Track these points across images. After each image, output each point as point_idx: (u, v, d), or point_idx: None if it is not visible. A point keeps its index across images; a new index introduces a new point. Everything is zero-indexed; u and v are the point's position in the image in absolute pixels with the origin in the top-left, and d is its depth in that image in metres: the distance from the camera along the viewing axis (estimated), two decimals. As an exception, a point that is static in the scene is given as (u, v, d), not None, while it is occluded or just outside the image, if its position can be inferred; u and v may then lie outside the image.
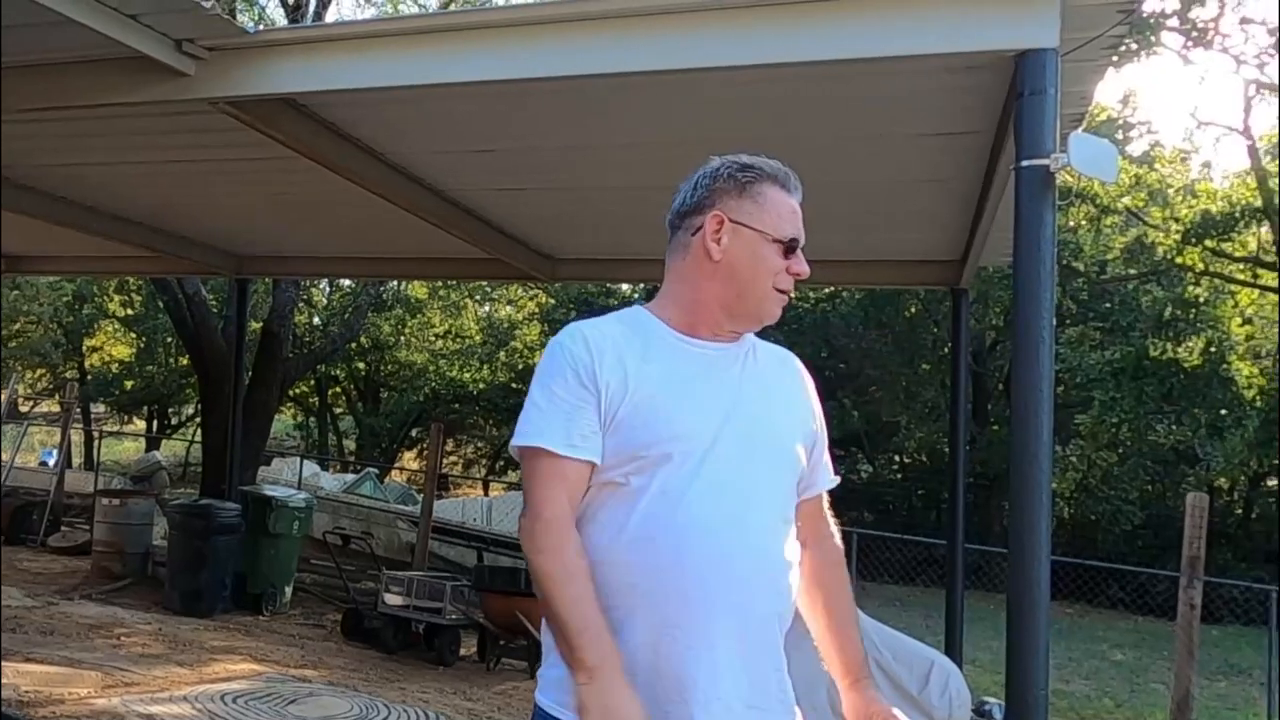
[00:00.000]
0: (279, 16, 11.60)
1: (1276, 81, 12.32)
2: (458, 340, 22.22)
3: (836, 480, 1.71)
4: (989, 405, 17.22)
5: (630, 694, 1.38)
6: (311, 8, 10.71)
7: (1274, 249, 13.05)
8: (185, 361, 17.29)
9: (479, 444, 25.31)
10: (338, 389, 24.18)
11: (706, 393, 1.53)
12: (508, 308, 22.34)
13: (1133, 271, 14.87)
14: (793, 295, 1.61)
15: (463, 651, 7.11)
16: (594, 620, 1.41)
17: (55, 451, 12.63)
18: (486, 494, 18.09)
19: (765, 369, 1.64)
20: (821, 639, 1.71)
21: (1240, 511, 16.97)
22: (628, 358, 1.53)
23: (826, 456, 1.70)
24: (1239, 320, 14.29)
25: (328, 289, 19.61)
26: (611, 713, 1.35)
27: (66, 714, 4.57)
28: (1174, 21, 11.05)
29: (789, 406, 1.64)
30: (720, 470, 1.48)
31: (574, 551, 1.46)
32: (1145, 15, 10.52)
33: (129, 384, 23.24)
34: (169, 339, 19.35)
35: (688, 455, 1.47)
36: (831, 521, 1.75)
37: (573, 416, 1.48)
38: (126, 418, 26.32)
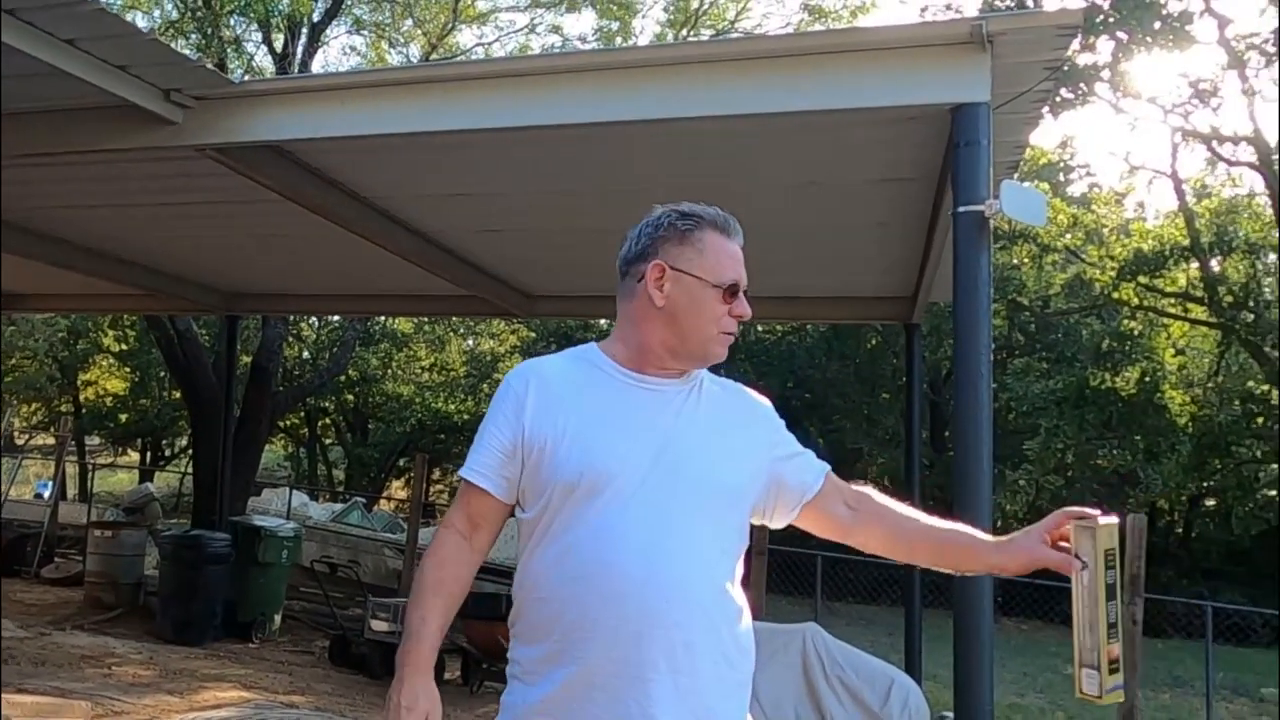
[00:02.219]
0: (268, 63, 11.59)
1: (1199, 129, 12.65)
2: (442, 373, 22.09)
3: (826, 466, 1.66)
4: (946, 432, 17.32)
5: (423, 689, 1.42)
6: (298, 57, 10.74)
7: (1202, 284, 13.32)
8: (177, 395, 17.03)
9: (463, 473, 25.04)
10: (327, 420, 23.91)
11: (640, 429, 1.51)
12: (490, 341, 22.24)
13: (1073, 306, 15.08)
14: (735, 332, 1.57)
15: (447, 675, 6.98)
16: (417, 625, 1.47)
17: (50, 484, 12.34)
18: (469, 521, 17.83)
19: (710, 404, 1.59)
20: (931, 557, 1.64)
21: (1180, 531, 17.13)
22: (566, 394, 1.55)
23: (805, 459, 1.64)
24: (1171, 351, 14.53)
25: (316, 324, 19.46)
26: (397, 706, 1.41)
27: (54, 743, 4.44)
28: (1107, 73, 11.32)
29: (731, 440, 1.57)
30: (644, 506, 1.45)
31: (435, 563, 1.54)
32: (1080, 66, 10.78)
33: (122, 417, 22.86)
34: (161, 374, 19.08)
35: (617, 491, 1.46)
36: (855, 486, 1.67)
37: (489, 449, 1.57)
38: (120, 450, 25.88)
